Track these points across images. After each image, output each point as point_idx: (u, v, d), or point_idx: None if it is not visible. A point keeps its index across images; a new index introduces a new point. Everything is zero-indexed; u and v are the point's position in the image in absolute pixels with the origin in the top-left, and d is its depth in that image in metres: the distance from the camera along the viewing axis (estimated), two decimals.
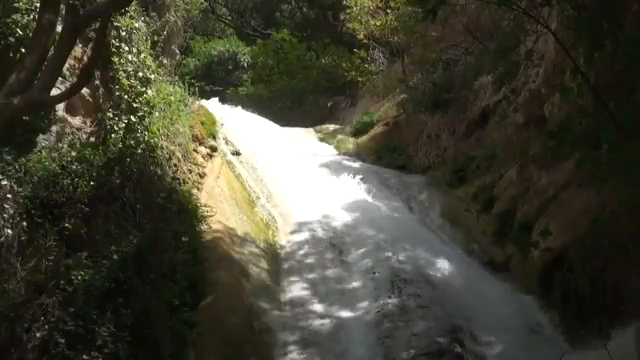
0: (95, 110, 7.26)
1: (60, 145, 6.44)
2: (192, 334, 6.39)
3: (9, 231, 5.32)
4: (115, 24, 7.55)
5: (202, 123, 10.67)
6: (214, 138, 10.82)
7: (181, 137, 9.11)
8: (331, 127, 18.51)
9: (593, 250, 6.50)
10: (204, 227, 8.18)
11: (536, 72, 9.81)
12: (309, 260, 8.95)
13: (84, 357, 5.09)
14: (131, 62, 7.77)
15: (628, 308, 6.04)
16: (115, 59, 7.54)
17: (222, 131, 11.53)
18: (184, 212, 7.85)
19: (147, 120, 7.74)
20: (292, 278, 8.46)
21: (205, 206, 8.46)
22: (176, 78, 11.00)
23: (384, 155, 14.81)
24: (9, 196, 5.40)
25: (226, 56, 24.42)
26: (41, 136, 6.28)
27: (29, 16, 6.16)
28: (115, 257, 5.78)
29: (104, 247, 5.90)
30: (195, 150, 9.85)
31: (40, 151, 6.09)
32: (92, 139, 7.05)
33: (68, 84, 6.39)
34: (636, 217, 5.90)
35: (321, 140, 16.98)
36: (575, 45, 6.50)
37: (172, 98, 9.02)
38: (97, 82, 7.35)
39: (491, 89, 12.02)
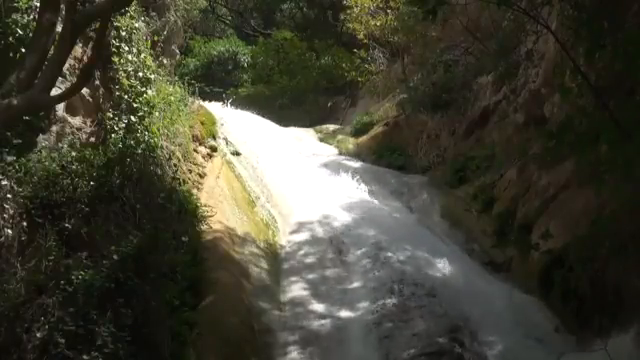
0: (95, 110, 7.25)
1: (60, 145, 6.44)
2: (192, 334, 6.38)
3: (9, 231, 5.32)
4: (115, 24, 7.54)
5: (202, 123, 10.67)
6: (214, 138, 10.82)
7: (181, 137, 9.11)
8: (331, 127, 18.52)
9: (593, 250, 6.50)
10: (204, 227, 8.17)
11: (536, 72, 9.81)
12: (309, 260, 8.95)
13: (84, 357, 5.09)
14: (131, 62, 7.77)
15: (628, 308, 6.04)
16: (115, 59, 7.54)
17: (222, 131, 11.53)
18: (184, 212, 7.84)
19: (147, 120, 7.74)
20: (292, 278, 8.46)
21: (205, 206, 8.46)
22: (176, 78, 10.99)
23: (384, 155, 14.82)
24: (9, 196, 5.40)
25: (226, 56, 24.39)
26: (41, 136, 6.28)
27: (29, 16, 6.17)
28: (115, 257, 5.77)
29: (104, 247, 5.89)
30: (195, 150, 9.85)
31: (40, 151, 6.09)
32: (92, 139, 7.05)
33: (68, 84, 6.38)
34: (636, 217, 5.90)
35: (321, 140, 16.99)
36: (575, 45, 6.50)
37: (172, 98, 9.02)
38: (97, 82, 7.35)
39: (491, 89, 12.01)
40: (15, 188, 5.50)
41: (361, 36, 18.48)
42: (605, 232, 6.40)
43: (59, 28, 5.07)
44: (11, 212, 5.39)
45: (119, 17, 7.62)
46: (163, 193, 7.44)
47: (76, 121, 6.92)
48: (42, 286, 5.35)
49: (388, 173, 13.52)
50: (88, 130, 7.07)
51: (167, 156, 8.20)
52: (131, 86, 7.65)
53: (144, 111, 7.70)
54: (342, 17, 20.16)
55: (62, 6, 5.12)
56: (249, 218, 9.38)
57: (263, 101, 20.77)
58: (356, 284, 8.23)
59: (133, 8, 8.05)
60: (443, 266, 8.55)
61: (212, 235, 8.13)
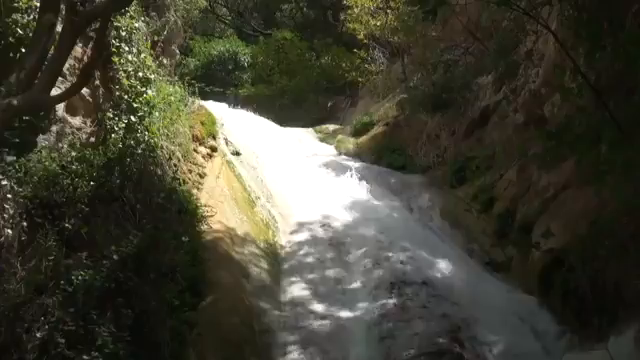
0: (95, 110, 7.25)
1: (60, 145, 6.43)
2: (192, 334, 6.38)
3: (9, 231, 5.31)
4: (115, 24, 7.54)
5: (202, 123, 10.66)
6: (214, 138, 10.81)
7: (181, 137, 9.11)
8: (331, 127, 18.51)
9: (593, 250, 6.50)
10: (204, 227, 8.17)
11: (536, 72, 9.80)
12: (309, 260, 8.95)
13: (84, 357, 5.08)
14: (131, 62, 7.77)
15: (628, 308, 6.04)
16: (115, 59, 7.54)
17: (222, 131, 11.53)
18: (184, 212, 7.84)
19: (147, 120, 7.74)
20: (292, 278, 8.45)
21: (205, 206, 8.46)
22: (176, 78, 10.99)
23: (384, 155, 14.82)
24: (9, 196, 5.39)
25: (226, 56, 24.41)
26: (41, 136, 6.28)
27: (29, 16, 6.16)
28: (115, 257, 5.77)
29: (104, 247, 5.89)
30: (195, 150, 9.85)
31: (40, 151, 6.08)
32: (92, 139, 7.05)
33: (68, 84, 6.38)
34: (636, 217, 5.90)
35: (321, 140, 16.99)
36: (575, 45, 6.50)
37: (172, 98, 9.02)
38: (97, 82, 7.35)
39: (491, 89, 12.01)
40: (15, 188, 5.49)
41: (361, 36, 18.50)
42: (605, 232, 6.40)
43: (59, 28, 5.07)
44: (11, 212, 5.38)
45: (119, 17, 7.61)
46: (163, 193, 7.43)
47: (76, 121, 6.92)
48: (42, 286, 5.33)
49: (388, 173, 13.51)
50: (88, 130, 7.07)
51: (167, 156, 8.19)
52: (131, 86, 7.64)
53: (144, 111, 7.70)
54: (342, 17, 20.18)
55: (62, 6, 5.13)
56: (249, 218, 9.38)
57: (263, 101, 20.78)
58: (356, 284, 8.23)
59: (133, 8, 8.05)
60: (443, 266, 8.55)
61: (212, 235, 8.13)
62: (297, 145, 15.33)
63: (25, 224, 5.51)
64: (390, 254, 8.74)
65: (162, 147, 8.04)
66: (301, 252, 9.19)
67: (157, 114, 8.08)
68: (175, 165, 8.37)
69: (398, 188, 12.40)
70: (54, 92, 5.38)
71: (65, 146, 6.46)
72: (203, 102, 12.08)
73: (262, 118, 16.05)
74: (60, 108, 6.59)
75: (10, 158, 5.64)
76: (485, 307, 7.48)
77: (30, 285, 5.25)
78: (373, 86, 19.04)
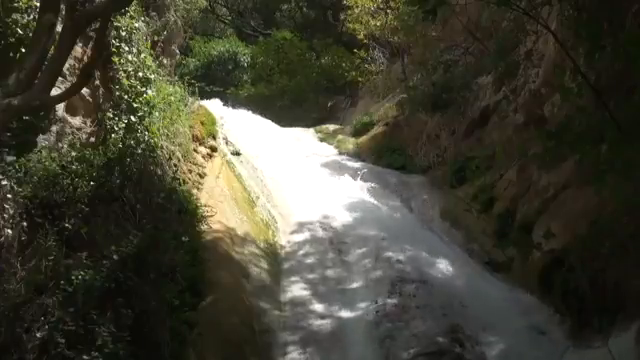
0: (95, 110, 7.25)
1: (60, 145, 6.43)
2: (192, 334, 6.38)
3: (9, 231, 5.31)
4: (115, 24, 7.54)
5: (202, 123, 10.66)
6: (214, 138, 10.82)
7: (181, 137, 9.11)
8: (331, 127, 18.52)
9: (593, 250, 6.50)
10: (204, 227, 8.17)
11: (536, 72, 9.80)
12: (309, 260, 8.95)
13: (84, 357, 5.08)
14: (131, 62, 7.77)
15: (628, 308, 6.04)
16: (115, 59, 7.54)
17: (222, 131, 11.53)
18: (184, 212, 7.84)
19: (147, 120, 7.74)
20: (292, 278, 8.45)
21: (205, 206, 8.46)
22: (176, 78, 10.99)
23: (384, 155, 14.83)
24: (9, 196, 5.39)
25: (226, 56, 24.42)
26: (41, 136, 6.28)
27: (29, 16, 6.16)
28: (115, 257, 5.77)
29: (104, 247, 5.88)
30: (195, 150, 9.85)
31: (40, 151, 6.08)
32: (92, 139, 7.05)
33: (68, 84, 6.38)
34: (636, 217, 5.90)
35: (321, 140, 16.99)
36: (575, 45, 6.51)
37: (172, 98, 9.02)
38: (97, 82, 7.34)
39: (491, 89, 12.01)
40: (15, 188, 5.49)
41: (361, 36, 18.51)
42: (605, 232, 6.40)
43: (59, 28, 5.07)
44: (11, 212, 5.38)
45: (119, 17, 7.61)
46: (163, 193, 7.43)
47: (76, 121, 6.92)
48: (42, 286, 5.33)
49: (388, 173, 13.53)
50: (88, 130, 7.07)
51: (167, 156, 8.20)
52: (131, 86, 7.64)
53: (144, 111, 7.70)
54: (342, 17, 20.18)
55: (62, 6, 5.12)
56: (249, 218, 9.38)
57: (263, 101, 20.78)
58: (356, 284, 8.23)
59: (133, 8, 8.05)
60: (443, 266, 8.56)
61: (212, 235, 8.13)
62: (297, 145, 15.33)
63: (25, 224, 5.51)
64: (390, 254, 8.74)
65: (162, 147, 8.05)
66: (301, 252, 9.19)
67: (157, 114, 8.08)
68: (175, 165, 8.37)
69: (398, 188, 12.41)
70: (54, 92, 5.38)
71: (65, 146, 6.46)
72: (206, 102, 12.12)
73: (262, 118, 16.05)
74: (60, 108, 6.59)
75: (10, 158, 5.64)
76: (485, 307, 7.49)
77: (30, 285, 5.25)
78: (373, 86, 19.05)
